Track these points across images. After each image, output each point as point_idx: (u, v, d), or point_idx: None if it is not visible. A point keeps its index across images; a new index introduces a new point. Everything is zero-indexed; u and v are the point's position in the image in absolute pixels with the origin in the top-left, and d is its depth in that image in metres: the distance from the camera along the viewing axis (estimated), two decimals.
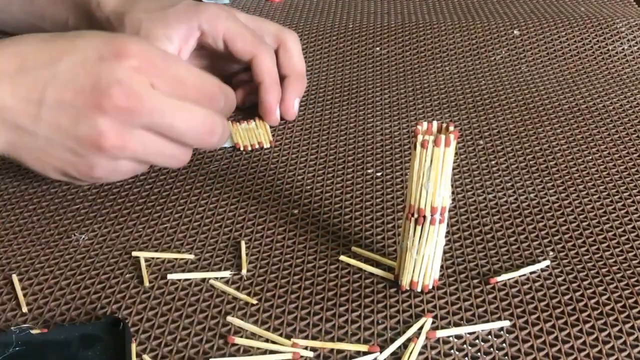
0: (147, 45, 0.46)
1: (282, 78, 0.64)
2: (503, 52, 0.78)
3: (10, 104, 0.44)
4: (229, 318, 0.40)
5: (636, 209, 0.51)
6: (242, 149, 0.59)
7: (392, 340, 0.39)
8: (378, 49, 0.79)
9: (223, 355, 0.38)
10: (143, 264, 0.45)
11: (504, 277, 0.44)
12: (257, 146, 0.60)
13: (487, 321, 0.40)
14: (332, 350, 0.38)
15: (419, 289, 0.42)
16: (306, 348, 0.39)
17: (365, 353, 0.38)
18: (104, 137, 0.44)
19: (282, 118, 0.64)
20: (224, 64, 0.68)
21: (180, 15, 0.63)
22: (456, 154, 0.51)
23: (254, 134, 0.61)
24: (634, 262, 0.45)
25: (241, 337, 0.39)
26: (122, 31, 0.64)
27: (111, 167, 0.46)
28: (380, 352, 0.38)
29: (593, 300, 0.42)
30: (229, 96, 0.51)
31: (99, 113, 0.44)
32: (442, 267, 0.44)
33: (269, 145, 0.60)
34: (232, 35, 0.62)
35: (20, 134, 0.45)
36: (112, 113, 0.44)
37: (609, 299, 0.42)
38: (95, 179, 0.47)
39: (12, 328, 0.40)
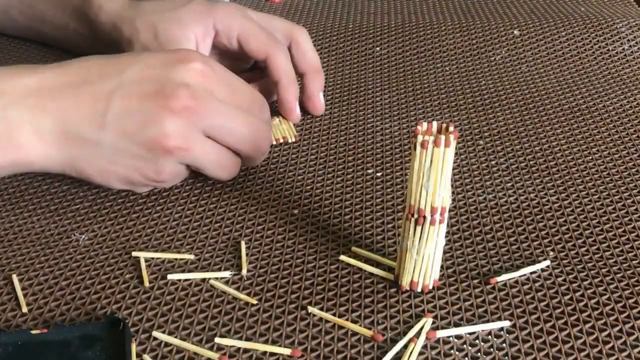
0: (205, 55, 0.48)
1: (301, 75, 0.64)
2: (503, 52, 0.78)
3: (73, 116, 0.45)
4: (218, 339, 0.39)
5: (636, 209, 0.51)
6: None
7: (392, 341, 0.39)
8: (378, 49, 0.79)
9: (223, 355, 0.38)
10: (143, 264, 0.45)
11: (504, 277, 0.44)
12: (281, 141, 0.60)
13: (487, 321, 0.40)
14: (332, 350, 0.38)
15: (419, 289, 0.42)
16: (306, 349, 0.39)
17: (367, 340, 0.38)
18: (171, 139, 0.45)
19: (309, 113, 0.64)
20: (231, 64, 0.68)
21: (195, 15, 0.62)
22: (456, 154, 0.51)
23: (279, 129, 0.61)
24: (634, 262, 0.45)
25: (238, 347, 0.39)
26: (134, 36, 0.63)
27: (175, 170, 0.48)
28: (381, 353, 0.38)
29: (593, 300, 0.42)
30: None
31: (167, 115, 0.45)
32: (442, 267, 0.44)
33: (293, 140, 0.60)
34: (246, 35, 0.62)
35: (84, 146, 0.45)
36: (179, 114, 0.45)
37: (609, 299, 0.42)
38: (160, 184, 0.49)
39: (12, 328, 0.40)
